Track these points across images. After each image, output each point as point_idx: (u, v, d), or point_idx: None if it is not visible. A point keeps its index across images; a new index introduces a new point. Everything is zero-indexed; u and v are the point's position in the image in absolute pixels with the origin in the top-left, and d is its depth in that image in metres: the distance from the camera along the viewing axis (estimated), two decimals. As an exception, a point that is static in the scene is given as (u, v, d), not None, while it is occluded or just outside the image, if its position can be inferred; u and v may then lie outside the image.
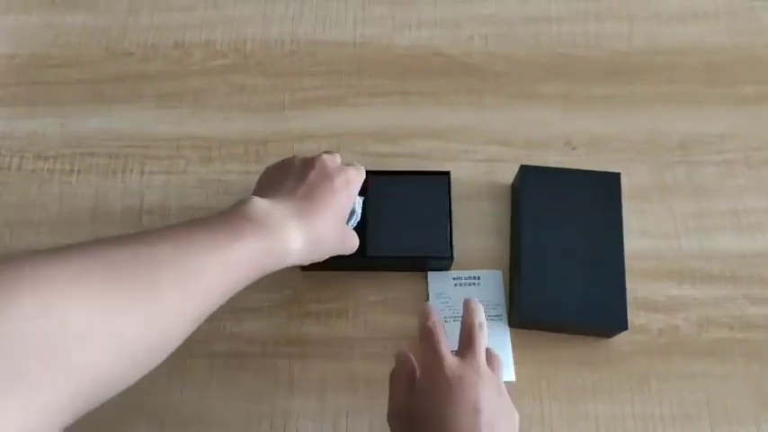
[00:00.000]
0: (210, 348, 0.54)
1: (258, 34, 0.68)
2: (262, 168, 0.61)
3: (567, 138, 0.62)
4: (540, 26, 0.68)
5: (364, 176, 0.50)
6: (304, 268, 0.53)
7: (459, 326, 0.46)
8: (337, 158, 0.49)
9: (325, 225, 0.45)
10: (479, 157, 0.61)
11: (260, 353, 0.54)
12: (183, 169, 0.61)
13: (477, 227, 0.58)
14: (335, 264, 0.50)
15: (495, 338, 0.53)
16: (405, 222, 0.55)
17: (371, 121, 0.62)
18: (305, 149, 0.62)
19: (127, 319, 0.32)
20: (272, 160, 0.61)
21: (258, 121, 0.63)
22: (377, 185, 0.55)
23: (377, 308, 0.55)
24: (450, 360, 0.43)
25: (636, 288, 0.55)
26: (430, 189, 0.56)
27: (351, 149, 0.61)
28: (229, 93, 0.65)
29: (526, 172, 0.56)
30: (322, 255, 0.46)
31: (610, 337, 0.53)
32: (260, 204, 0.42)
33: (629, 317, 0.51)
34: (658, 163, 0.61)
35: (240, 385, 0.52)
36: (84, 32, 0.69)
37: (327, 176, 0.47)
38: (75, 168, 0.62)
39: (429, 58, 0.66)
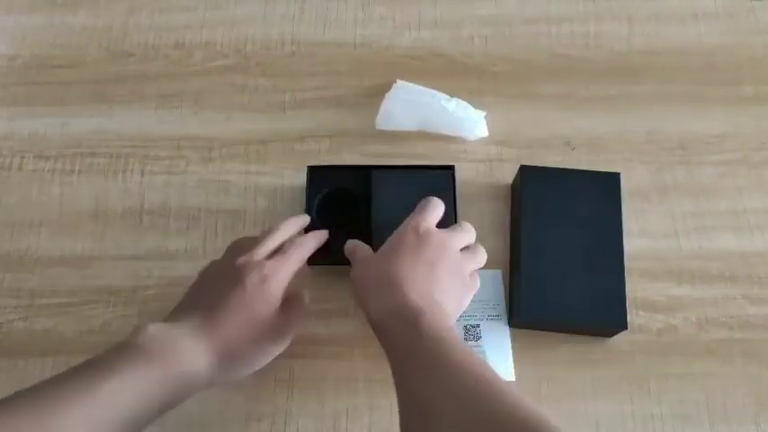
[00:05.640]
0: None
1: (258, 35, 0.68)
2: (262, 168, 0.61)
3: (567, 138, 0.62)
4: (539, 27, 0.68)
5: (299, 258, 0.47)
6: (309, 262, 0.52)
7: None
8: (260, 251, 0.45)
9: (238, 335, 0.42)
10: (479, 157, 0.61)
11: (260, 352, 0.54)
12: (184, 169, 0.61)
13: (477, 227, 0.57)
14: (340, 259, 0.51)
15: (495, 338, 0.53)
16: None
17: (372, 121, 0.62)
18: (305, 149, 0.62)
19: None
20: (272, 160, 0.62)
21: (259, 121, 0.64)
22: (380, 180, 0.56)
23: (377, 308, 0.55)
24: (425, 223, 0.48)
25: (635, 288, 0.55)
26: (435, 184, 0.56)
27: (351, 150, 0.62)
28: (230, 93, 0.65)
29: (526, 172, 0.56)
30: (249, 366, 0.44)
31: (609, 336, 0.53)
32: (151, 329, 0.40)
33: (629, 317, 0.51)
34: (658, 163, 0.61)
35: (240, 385, 0.52)
36: (84, 33, 0.69)
37: (235, 282, 0.43)
38: (76, 168, 0.62)
39: (429, 59, 0.66)
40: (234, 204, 0.59)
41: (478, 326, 0.53)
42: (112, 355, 0.39)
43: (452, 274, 0.47)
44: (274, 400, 0.52)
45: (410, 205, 0.52)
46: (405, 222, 0.49)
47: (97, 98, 0.65)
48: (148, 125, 0.64)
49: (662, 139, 0.62)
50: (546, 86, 0.64)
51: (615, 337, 0.53)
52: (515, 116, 0.63)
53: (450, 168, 0.57)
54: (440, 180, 0.56)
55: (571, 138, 0.62)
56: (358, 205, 0.55)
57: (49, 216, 0.60)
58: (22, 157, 0.63)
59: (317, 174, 0.57)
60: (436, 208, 0.50)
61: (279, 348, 0.46)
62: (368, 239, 0.52)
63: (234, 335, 0.42)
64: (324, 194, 0.56)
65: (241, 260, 0.44)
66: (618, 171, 0.56)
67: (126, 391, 0.37)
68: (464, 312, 0.52)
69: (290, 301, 0.47)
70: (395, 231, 0.48)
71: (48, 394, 0.36)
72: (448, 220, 0.54)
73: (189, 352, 0.40)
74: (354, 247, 0.51)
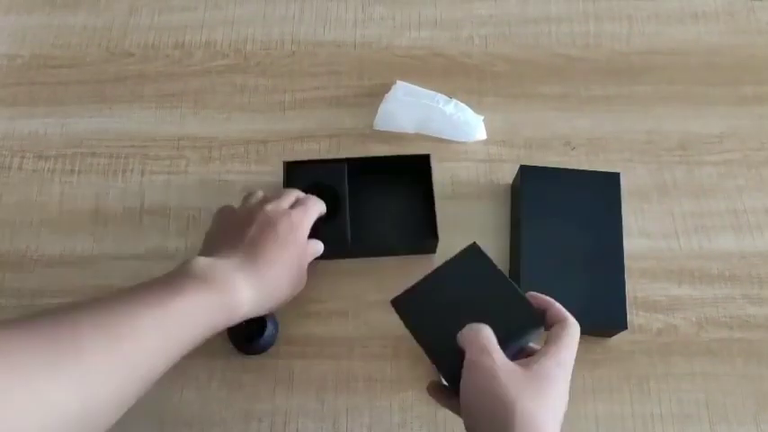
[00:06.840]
0: (210, 348, 0.54)
1: (258, 35, 0.68)
2: (262, 168, 0.61)
3: (567, 138, 0.62)
4: (539, 27, 0.68)
5: (317, 211, 0.51)
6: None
7: None
8: (283, 203, 0.50)
9: (275, 273, 0.46)
10: (479, 157, 0.61)
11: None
12: (184, 169, 0.61)
13: (476, 227, 0.58)
14: (327, 254, 0.52)
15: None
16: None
17: (372, 121, 0.62)
18: (305, 149, 0.62)
19: (52, 383, 0.32)
20: (272, 160, 0.62)
21: (258, 121, 0.64)
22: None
23: (377, 308, 0.55)
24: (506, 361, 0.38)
25: (635, 288, 0.55)
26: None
27: (350, 150, 0.62)
28: (230, 93, 0.65)
29: (526, 172, 0.56)
30: (278, 301, 0.47)
31: (609, 336, 0.53)
32: (202, 261, 0.43)
33: (629, 317, 0.51)
34: (658, 163, 0.61)
35: (240, 385, 0.52)
36: (84, 33, 0.69)
37: (269, 226, 0.47)
38: (76, 168, 0.62)
39: (429, 59, 0.66)
40: (234, 204, 0.59)
41: None
42: (175, 278, 0.41)
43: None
44: (274, 400, 0.52)
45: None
46: (471, 338, 0.39)
47: (97, 98, 0.65)
48: (148, 125, 0.64)
49: (662, 139, 0.62)
50: (546, 86, 0.64)
51: (615, 337, 0.53)
52: (515, 116, 0.63)
53: (426, 157, 0.57)
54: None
55: (571, 138, 0.62)
56: (337, 197, 0.55)
57: (49, 216, 0.60)
58: (22, 157, 0.63)
59: (293, 169, 0.56)
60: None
61: (296, 291, 0.49)
62: (343, 236, 0.53)
63: (269, 274, 0.45)
64: (302, 190, 0.54)
65: (270, 208, 0.48)
66: (618, 171, 0.56)
67: (193, 310, 0.40)
68: None
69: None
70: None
71: (113, 300, 0.38)
72: (424, 210, 0.54)
73: (237, 284, 0.43)
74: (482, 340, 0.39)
